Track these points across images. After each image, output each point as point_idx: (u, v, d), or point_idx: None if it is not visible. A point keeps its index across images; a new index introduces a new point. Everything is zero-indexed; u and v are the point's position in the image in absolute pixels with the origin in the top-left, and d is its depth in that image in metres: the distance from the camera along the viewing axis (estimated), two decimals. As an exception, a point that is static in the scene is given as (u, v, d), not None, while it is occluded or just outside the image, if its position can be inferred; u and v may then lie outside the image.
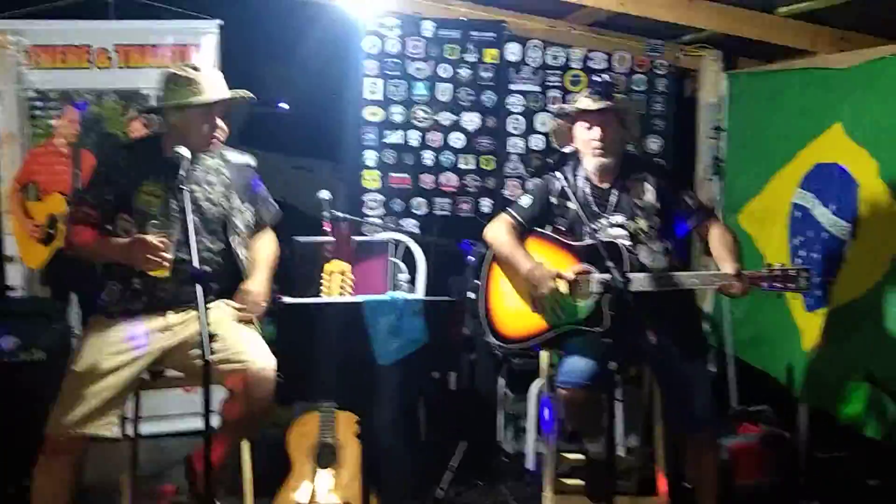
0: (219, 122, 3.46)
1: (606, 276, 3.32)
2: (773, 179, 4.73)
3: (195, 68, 3.40)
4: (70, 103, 4.90)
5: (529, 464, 4.65)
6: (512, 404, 4.81)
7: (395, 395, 3.06)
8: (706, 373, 3.66)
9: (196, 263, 2.92)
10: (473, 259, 4.46)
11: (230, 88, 3.47)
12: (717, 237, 3.57)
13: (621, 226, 3.61)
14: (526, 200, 3.83)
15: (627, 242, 3.54)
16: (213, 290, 3.36)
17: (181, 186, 3.07)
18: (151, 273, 3.26)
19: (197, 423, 4.74)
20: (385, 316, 2.82)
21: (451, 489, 4.34)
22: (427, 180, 5.38)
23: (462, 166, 5.40)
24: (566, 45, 5.45)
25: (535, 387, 4.54)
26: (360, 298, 2.88)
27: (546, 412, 4.08)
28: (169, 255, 3.16)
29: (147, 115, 3.44)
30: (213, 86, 3.39)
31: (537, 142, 5.48)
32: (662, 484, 3.78)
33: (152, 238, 3.16)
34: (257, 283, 3.49)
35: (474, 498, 4.35)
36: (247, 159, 3.64)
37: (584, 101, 3.63)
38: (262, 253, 3.63)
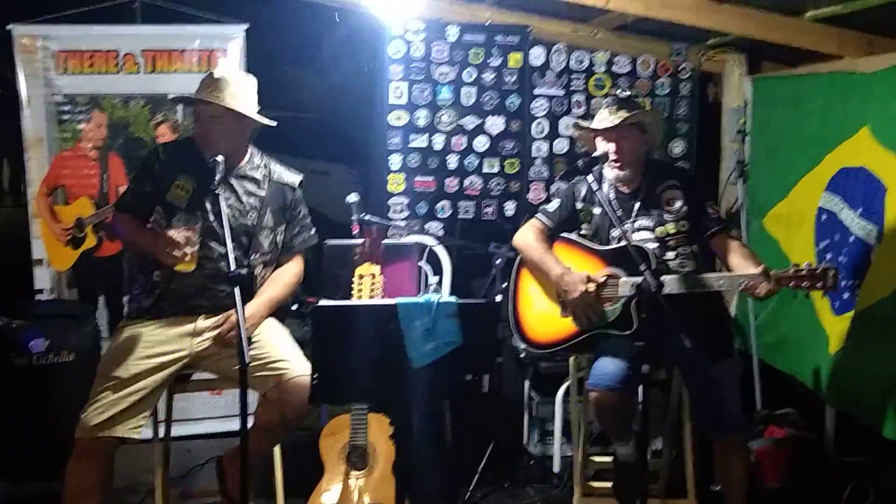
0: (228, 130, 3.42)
1: (638, 278, 3.31)
2: (798, 183, 4.72)
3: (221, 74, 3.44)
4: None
5: (556, 466, 4.66)
6: (538, 407, 4.82)
7: (428, 397, 3.07)
8: (735, 376, 3.65)
9: (232, 266, 2.90)
10: (500, 261, 4.49)
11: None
12: (734, 249, 3.57)
13: (646, 229, 3.62)
14: (554, 204, 3.84)
15: (654, 245, 3.55)
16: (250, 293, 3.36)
17: (215, 191, 3.09)
18: (176, 268, 3.27)
19: (222, 426, 4.85)
20: (420, 318, 2.84)
21: (478, 491, 4.36)
22: (451, 184, 5.38)
23: (486, 170, 5.41)
24: (590, 49, 5.44)
25: (562, 390, 4.55)
26: (394, 301, 2.89)
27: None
28: (188, 250, 3.20)
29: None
30: (220, 89, 3.39)
31: (561, 145, 5.48)
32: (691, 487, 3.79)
33: (174, 233, 3.20)
34: (248, 307, 3.28)
35: (501, 500, 4.37)
36: (293, 178, 3.61)
37: (600, 116, 3.65)
38: (276, 278, 3.56)
